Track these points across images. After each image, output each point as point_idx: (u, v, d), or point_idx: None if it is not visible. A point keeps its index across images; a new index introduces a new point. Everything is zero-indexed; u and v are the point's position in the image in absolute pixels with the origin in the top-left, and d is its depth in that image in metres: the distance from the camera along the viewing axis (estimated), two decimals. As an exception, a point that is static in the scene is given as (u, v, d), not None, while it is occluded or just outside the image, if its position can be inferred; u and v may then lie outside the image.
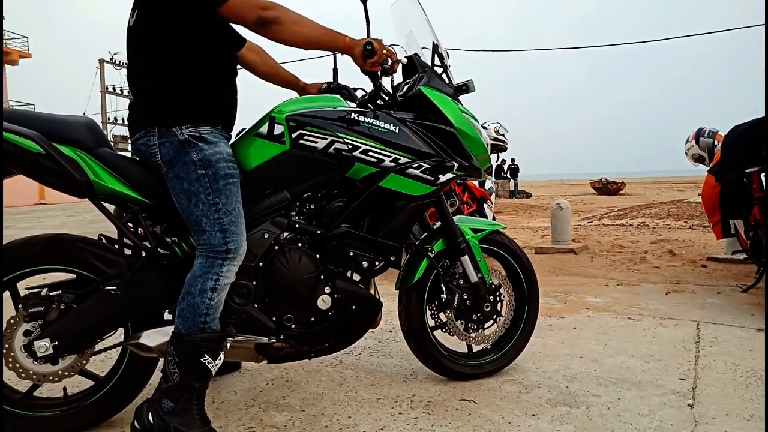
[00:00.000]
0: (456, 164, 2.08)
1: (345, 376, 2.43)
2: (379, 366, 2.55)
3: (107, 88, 26.42)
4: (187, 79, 1.76)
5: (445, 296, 2.29)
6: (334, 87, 2.21)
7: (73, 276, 1.85)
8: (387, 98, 2.12)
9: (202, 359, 1.71)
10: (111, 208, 1.90)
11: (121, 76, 30.36)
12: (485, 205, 5.16)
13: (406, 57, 2.22)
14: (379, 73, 1.95)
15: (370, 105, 2.07)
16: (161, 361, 1.81)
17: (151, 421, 1.72)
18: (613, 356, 2.65)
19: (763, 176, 3.37)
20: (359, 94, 2.17)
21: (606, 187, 23.38)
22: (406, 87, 2.18)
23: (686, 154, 5.38)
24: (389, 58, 1.89)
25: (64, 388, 1.92)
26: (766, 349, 2.63)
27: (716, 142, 5.02)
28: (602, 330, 3.10)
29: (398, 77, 2.24)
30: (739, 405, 2.09)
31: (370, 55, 1.82)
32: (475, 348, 2.43)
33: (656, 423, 1.96)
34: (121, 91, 27.07)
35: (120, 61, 26.64)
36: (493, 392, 2.24)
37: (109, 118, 27.16)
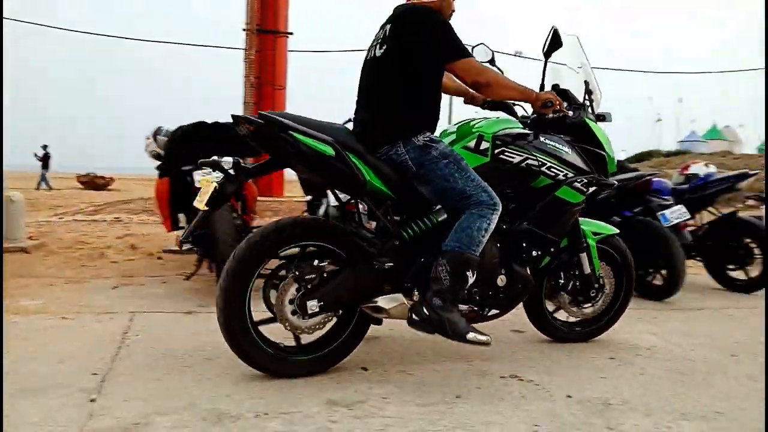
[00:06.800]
0: (615, 182, 2.78)
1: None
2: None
3: None
4: (420, 100, 2.39)
5: (562, 281, 2.89)
6: (496, 103, 2.83)
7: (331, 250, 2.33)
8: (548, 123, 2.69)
9: (467, 272, 2.26)
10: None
11: None
12: None
13: (557, 89, 2.72)
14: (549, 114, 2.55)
15: (546, 127, 2.65)
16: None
17: (427, 314, 2.24)
18: (16, 363, 2.37)
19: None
20: (518, 111, 2.80)
21: (93, 182, 23.06)
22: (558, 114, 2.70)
23: (146, 151, 5.54)
24: (558, 106, 2.51)
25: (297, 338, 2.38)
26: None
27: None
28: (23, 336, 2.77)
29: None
30: (141, 387, 2.15)
31: (548, 107, 2.46)
32: (572, 319, 3.03)
33: (48, 428, 1.82)
34: None
35: None
36: None
37: None
